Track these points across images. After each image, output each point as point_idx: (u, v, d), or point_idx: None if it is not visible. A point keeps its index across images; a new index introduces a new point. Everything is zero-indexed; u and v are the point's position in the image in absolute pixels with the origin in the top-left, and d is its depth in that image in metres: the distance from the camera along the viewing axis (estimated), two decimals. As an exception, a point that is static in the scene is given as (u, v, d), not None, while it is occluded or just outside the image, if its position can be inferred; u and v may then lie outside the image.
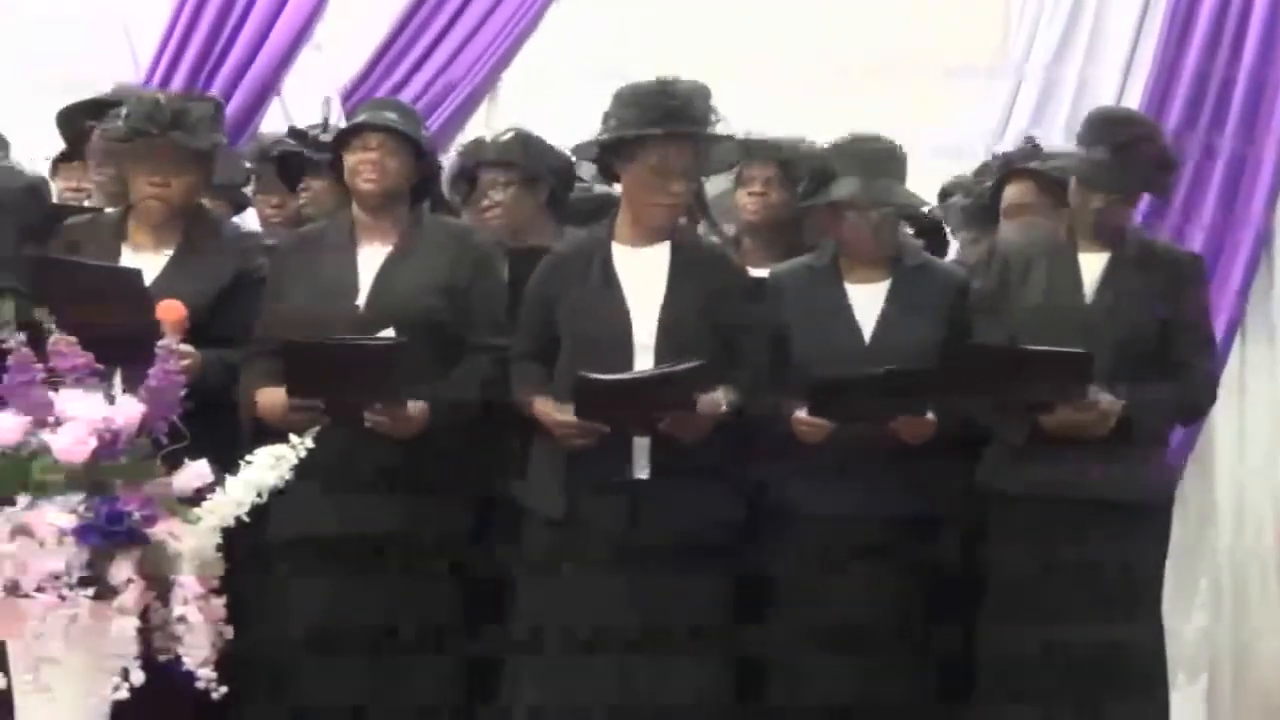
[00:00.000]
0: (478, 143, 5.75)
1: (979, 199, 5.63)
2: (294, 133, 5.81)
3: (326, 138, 5.01)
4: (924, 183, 5.54)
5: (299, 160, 5.65)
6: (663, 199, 4.66)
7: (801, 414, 4.59)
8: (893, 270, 4.81)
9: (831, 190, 4.77)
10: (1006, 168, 5.52)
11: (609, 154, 4.74)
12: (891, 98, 7.14)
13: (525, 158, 5.47)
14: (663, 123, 4.63)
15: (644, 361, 4.59)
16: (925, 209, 5.26)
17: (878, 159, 4.79)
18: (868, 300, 4.77)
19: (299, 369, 4.52)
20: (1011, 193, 5.44)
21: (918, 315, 4.76)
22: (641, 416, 4.54)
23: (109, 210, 5.20)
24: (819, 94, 7.33)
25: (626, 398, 4.51)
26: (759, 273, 4.95)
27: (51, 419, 3.89)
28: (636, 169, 4.68)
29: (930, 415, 4.60)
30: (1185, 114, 6.64)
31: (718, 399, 4.56)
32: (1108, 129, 4.79)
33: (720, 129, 4.71)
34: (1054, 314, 4.70)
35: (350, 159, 4.80)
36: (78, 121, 5.95)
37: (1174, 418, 4.97)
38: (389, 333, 4.59)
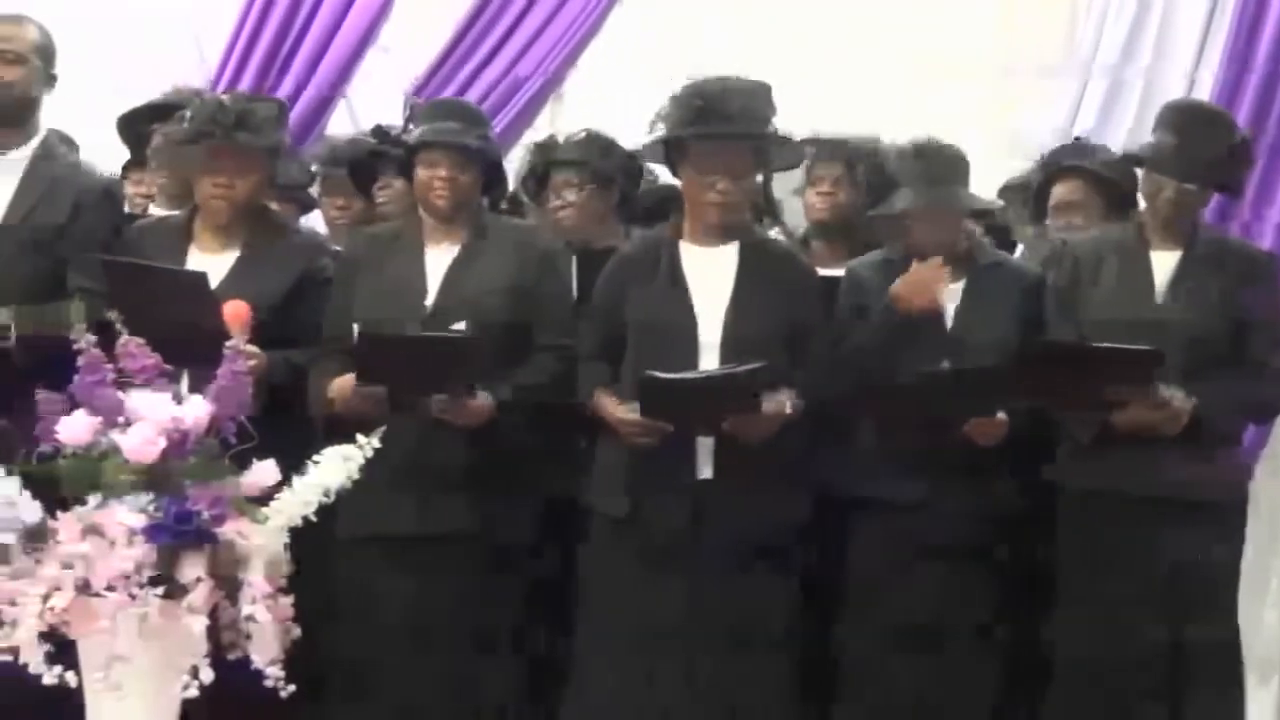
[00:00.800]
0: (550, 141, 5.73)
1: (1032, 198, 5.59)
2: (377, 132, 5.80)
3: (410, 137, 5.01)
4: (993, 183, 5.52)
5: (375, 161, 5.65)
6: (710, 198, 4.66)
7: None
8: (968, 269, 4.80)
9: (894, 202, 4.76)
10: (1053, 166, 5.49)
11: (668, 154, 4.75)
12: (960, 97, 7.12)
13: (599, 158, 5.45)
14: (694, 123, 4.64)
15: (710, 361, 4.59)
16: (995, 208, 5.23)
17: (939, 166, 4.78)
18: (945, 297, 4.75)
19: (371, 361, 4.53)
20: (1060, 191, 5.42)
21: (994, 313, 4.75)
22: (705, 416, 4.53)
23: (176, 212, 5.22)
24: (888, 94, 7.30)
25: (690, 397, 4.50)
26: (829, 272, 4.94)
27: (121, 420, 3.91)
28: (686, 170, 4.69)
29: (1001, 415, 4.58)
30: (1254, 112, 6.58)
31: (782, 400, 4.55)
32: (1181, 116, 4.77)
33: (777, 127, 4.71)
34: (1125, 312, 4.67)
35: (422, 173, 4.80)
36: (138, 126, 5.98)
37: (1246, 416, 4.93)
38: (460, 326, 4.59)
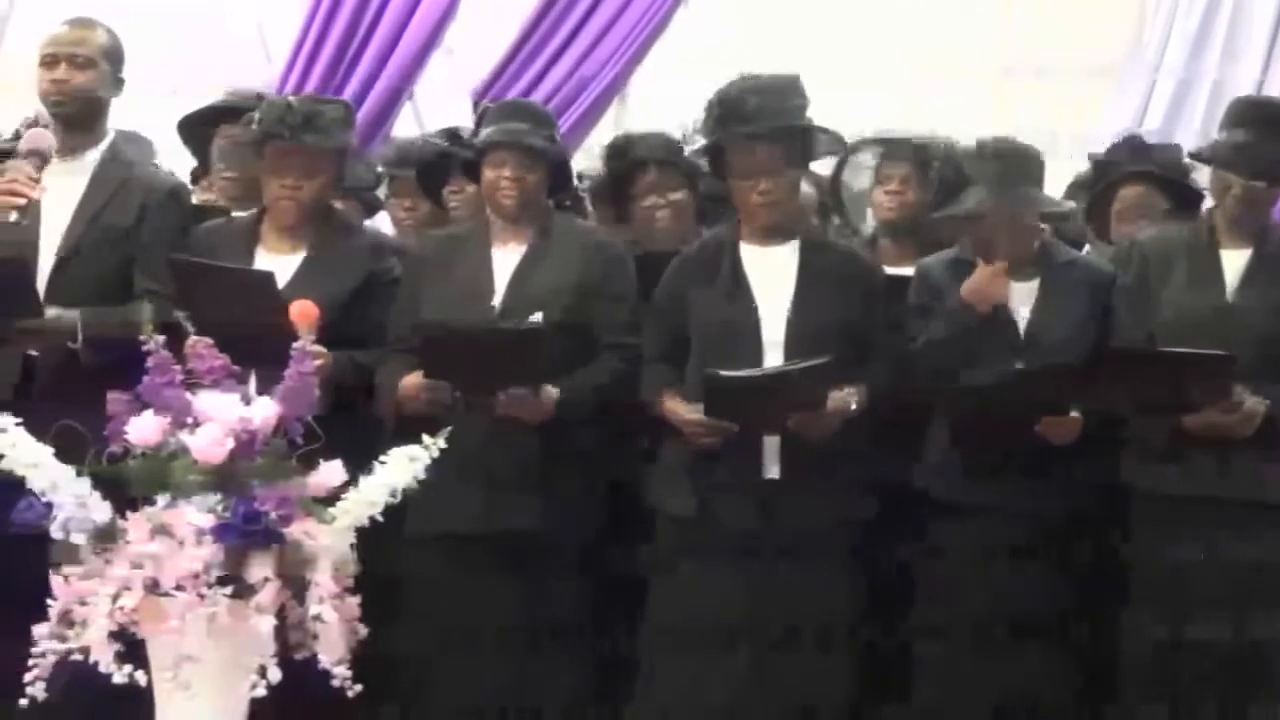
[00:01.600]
0: (629, 143, 5.70)
1: (1091, 203, 5.53)
2: (449, 134, 5.81)
3: (477, 139, 5.01)
4: (1063, 184, 5.48)
5: (444, 164, 5.65)
6: (754, 200, 4.66)
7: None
8: (1042, 267, 4.77)
9: (963, 201, 4.74)
10: (1115, 171, 5.44)
11: (712, 161, 4.77)
12: (1029, 97, 7.10)
13: (686, 159, 5.41)
14: (716, 129, 4.66)
15: (773, 360, 4.59)
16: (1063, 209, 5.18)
17: (1012, 165, 4.74)
18: (1018, 295, 4.74)
19: (436, 354, 4.54)
20: (1125, 196, 5.37)
21: (1068, 312, 4.73)
22: (770, 415, 4.52)
23: (243, 214, 5.24)
24: (957, 94, 7.30)
25: (755, 395, 4.49)
26: (897, 271, 4.92)
27: (190, 420, 3.92)
28: (729, 174, 4.70)
29: (1075, 414, 4.55)
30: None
31: (846, 397, 4.54)
32: (1250, 112, 4.73)
33: (810, 118, 4.71)
34: (1195, 312, 4.63)
35: (489, 173, 4.82)
36: (198, 129, 6.01)
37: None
38: (536, 317, 4.60)
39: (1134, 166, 5.43)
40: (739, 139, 4.63)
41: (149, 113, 5.91)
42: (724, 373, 4.47)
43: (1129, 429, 4.67)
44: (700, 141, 4.77)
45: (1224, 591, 4.52)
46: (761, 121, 4.63)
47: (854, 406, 4.57)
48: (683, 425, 4.60)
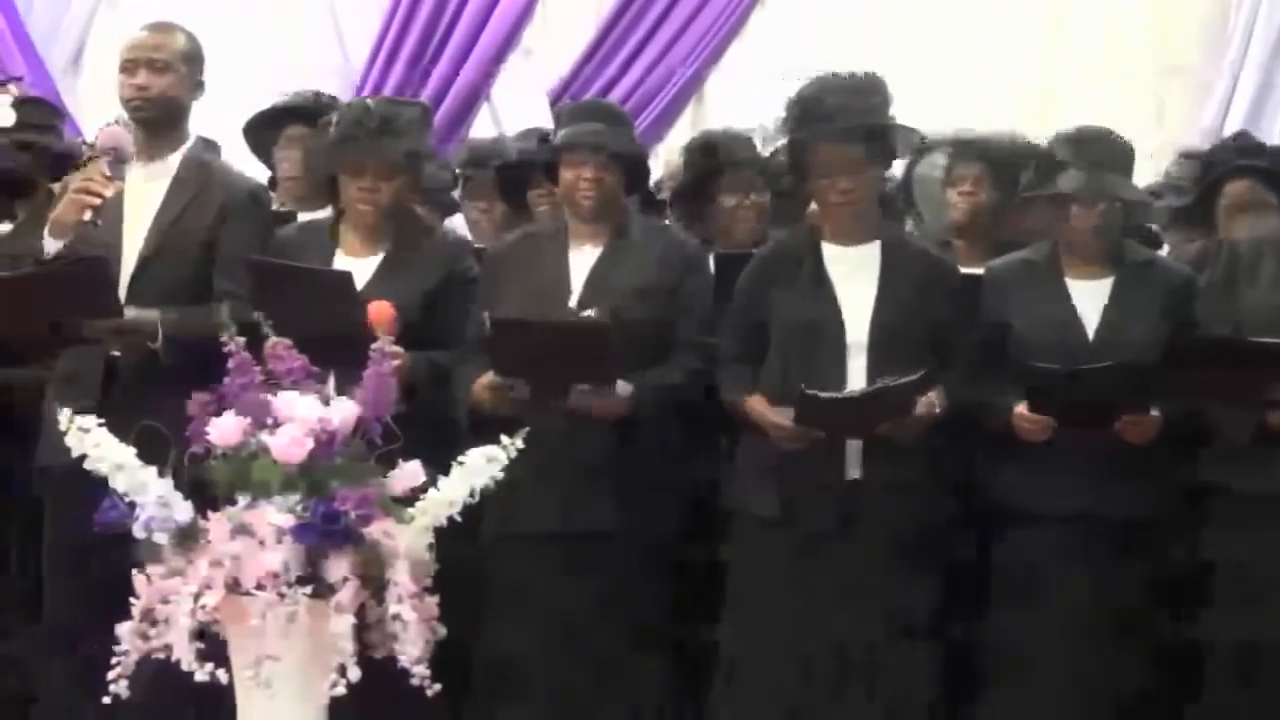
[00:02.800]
0: (714, 143, 5.69)
1: (1197, 199, 5.48)
2: (538, 135, 5.82)
3: (555, 139, 5.02)
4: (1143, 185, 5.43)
5: (528, 166, 5.67)
6: (834, 199, 4.64)
7: (1022, 409, 4.54)
8: (1116, 267, 4.73)
9: (1057, 182, 4.69)
10: (1225, 166, 5.39)
11: (792, 163, 4.75)
12: (1110, 98, 7.06)
13: (768, 160, 5.39)
14: (795, 129, 4.65)
15: (857, 361, 4.58)
16: (1151, 205, 5.13)
17: (1105, 153, 4.70)
18: (1090, 296, 4.70)
19: (505, 350, 4.56)
20: (1233, 190, 5.31)
21: (1143, 313, 4.67)
22: (860, 424, 4.52)
23: (321, 216, 5.28)
24: (1029, 93, 7.27)
25: (847, 409, 4.49)
26: (969, 272, 4.90)
27: (270, 421, 3.95)
28: (810, 174, 4.67)
29: (1155, 413, 4.52)
30: None
31: (932, 400, 4.54)
32: None
33: (892, 116, 4.69)
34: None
35: (567, 174, 4.83)
36: (261, 132, 6.04)
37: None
38: (591, 312, 4.62)
39: (1244, 161, 5.37)
40: (821, 137, 4.62)
41: (228, 115, 5.95)
42: (821, 394, 4.45)
43: (1210, 428, 4.62)
44: (779, 141, 4.76)
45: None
46: (842, 120, 4.62)
47: (938, 410, 4.56)
48: (769, 429, 4.59)
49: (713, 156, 5.57)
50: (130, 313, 4.72)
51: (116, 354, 4.77)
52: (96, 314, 4.64)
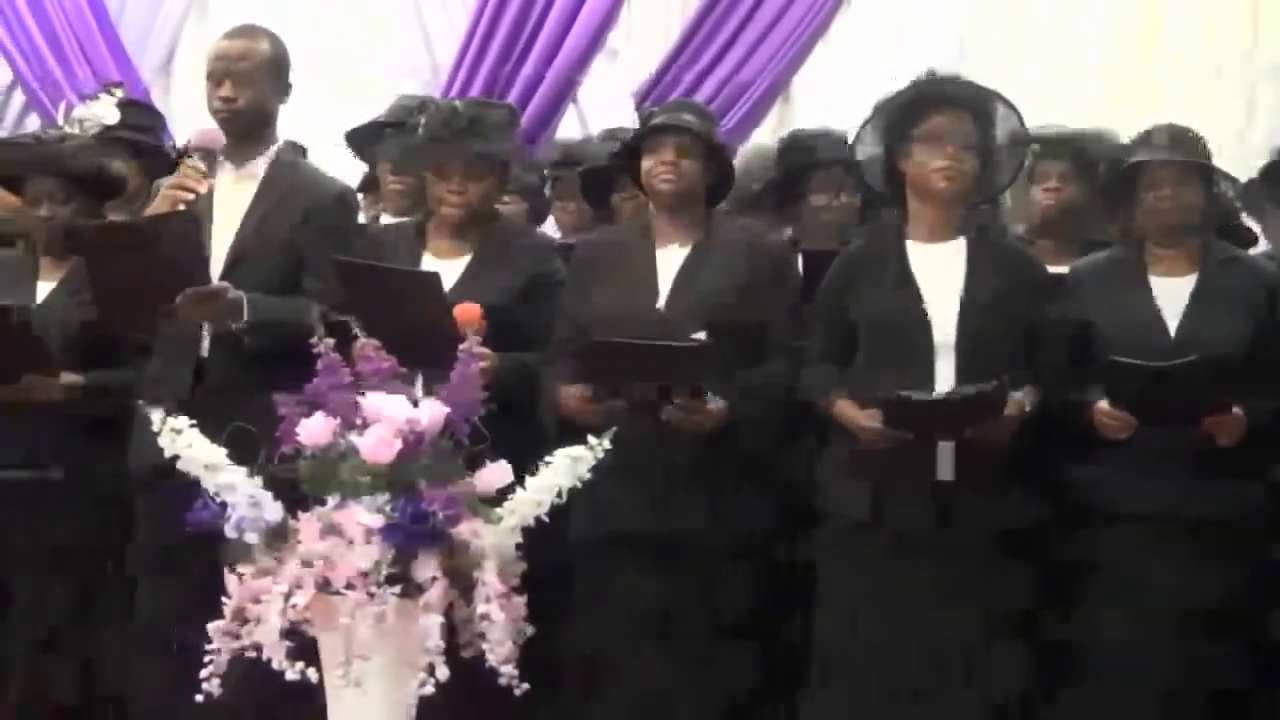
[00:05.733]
0: (805, 142, 5.68)
1: None
2: (621, 136, 5.82)
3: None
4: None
5: (612, 169, 5.68)
6: (937, 164, 4.59)
7: (1104, 405, 4.51)
8: (1200, 264, 4.70)
9: (1136, 154, 4.69)
10: None
11: (887, 164, 4.71)
12: (1200, 97, 7.00)
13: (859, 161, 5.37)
14: (919, 86, 4.65)
15: (944, 361, 4.55)
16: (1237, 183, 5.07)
17: (1185, 141, 4.69)
18: (1173, 294, 4.66)
19: (600, 368, 4.57)
20: None
21: (1226, 310, 4.62)
22: (949, 426, 4.50)
23: (409, 218, 5.30)
24: (1125, 93, 7.22)
25: (935, 411, 4.48)
26: (1054, 269, 4.87)
27: (359, 421, 3.97)
28: (912, 157, 4.63)
29: (1238, 410, 4.47)
30: None
31: (1021, 401, 4.51)
32: None
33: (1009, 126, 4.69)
34: None
35: (647, 162, 4.83)
36: (366, 141, 6.07)
37: None
38: (700, 336, 4.60)
39: None
40: (935, 104, 4.61)
41: (315, 118, 5.99)
42: (911, 398, 4.44)
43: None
44: (870, 139, 4.74)
45: None
46: (965, 89, 4.64)
47: (1027, 409, 4.54)
48: (858, 431, 4.58)
49: (804, 155, 5.56)
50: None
51: (203, 354, 4.81)
52: (185, 270, 4.64)
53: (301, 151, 5.98)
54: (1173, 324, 4.64)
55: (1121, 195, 4.76)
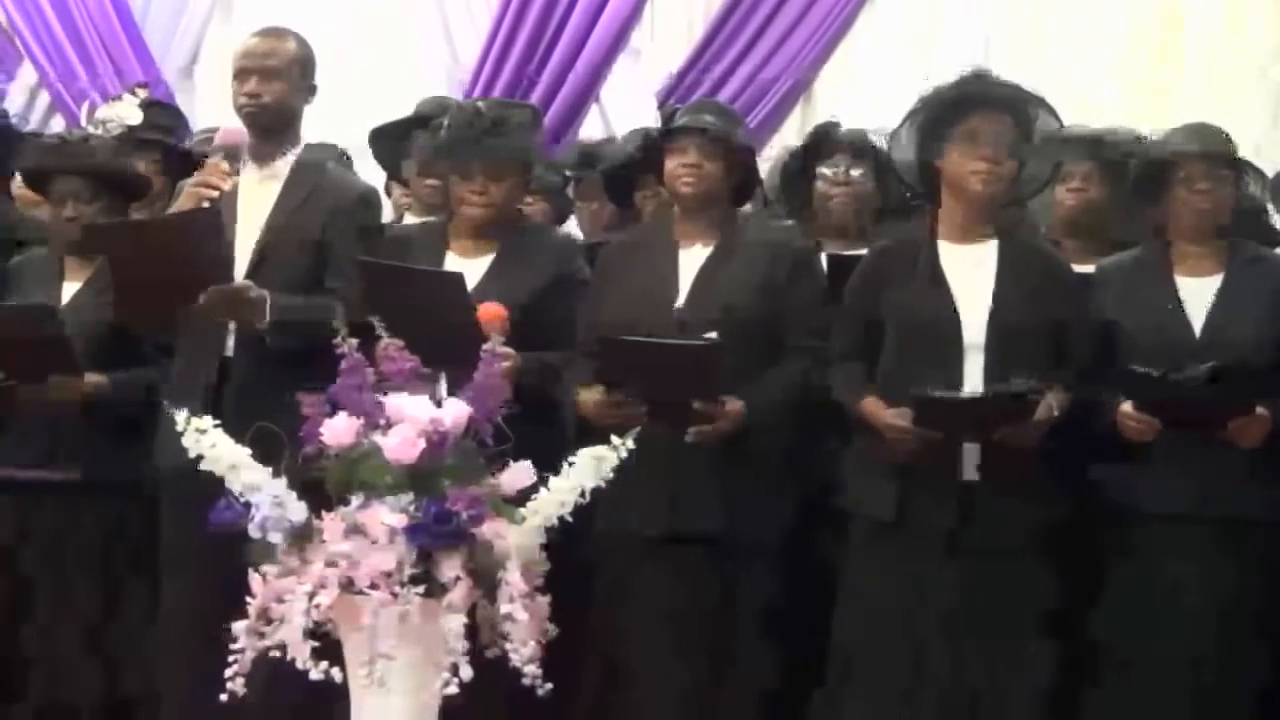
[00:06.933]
0: (819, 126, 5.68)
1: None
2: (644, 135, 5.82)
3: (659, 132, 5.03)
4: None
5: (630, 173, 5.67)
6: (974, 166, 4.57)
7: (1128, 408, 4.50)
8: (1227, 263, 4.68)
9: (1170, 147, 4.67)
10: None
11: (927, 143, 4.69)
12: (1225, 96, 6.98)
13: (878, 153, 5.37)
14: (963, 85, 4.62)
15: (974, 361, 4.54)
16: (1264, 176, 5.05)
17: (1218, 137, 4.68)
18: (1199, 293, 4.65)
19: (614, 366, 4.57)
20: None
21: (1252, 309, 4.61)
22: (978, 427, 4.49)
23: (433, 218, 5.31)
24: (1150, 92, 7.20)
25: (965, 411, 4.47)
26: (1079, 269, 4.86)
27: (382, 421, 3.97)
28: (948, 156, 4.62)
29: (1262, 411, 4.46)
30: None
31: (1049, 402, 4.50)
32: None
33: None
34: None
35: (670, 163, 4.83)
36: (389, 142, 6.08)
37: None
38: (711, 336, 4.59)
39: None
40: (977, 105, 4.60)
41: (339, 118, 5.99)
42: (939, 394, 4.43)
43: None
44: (907, 135, 4.73)
45: None
46: (1007, 90, 4.64)
47: (1056, 412, 4.53)
48: (886, 430, 4.57)
49: (816, 137, 5.58)
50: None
51: (227, 354, 4.82)
52: (208, 269, 4.65)
53: (342, 155, 6.00)
54: (1198, 323, 4.63)
55: (1150, 193, 4.74)
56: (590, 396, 4.63)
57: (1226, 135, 4.72)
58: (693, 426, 4.57)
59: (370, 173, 5.88)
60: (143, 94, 6.14)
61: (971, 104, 4.62)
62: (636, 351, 4.53)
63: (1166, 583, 4.56)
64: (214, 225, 4.70)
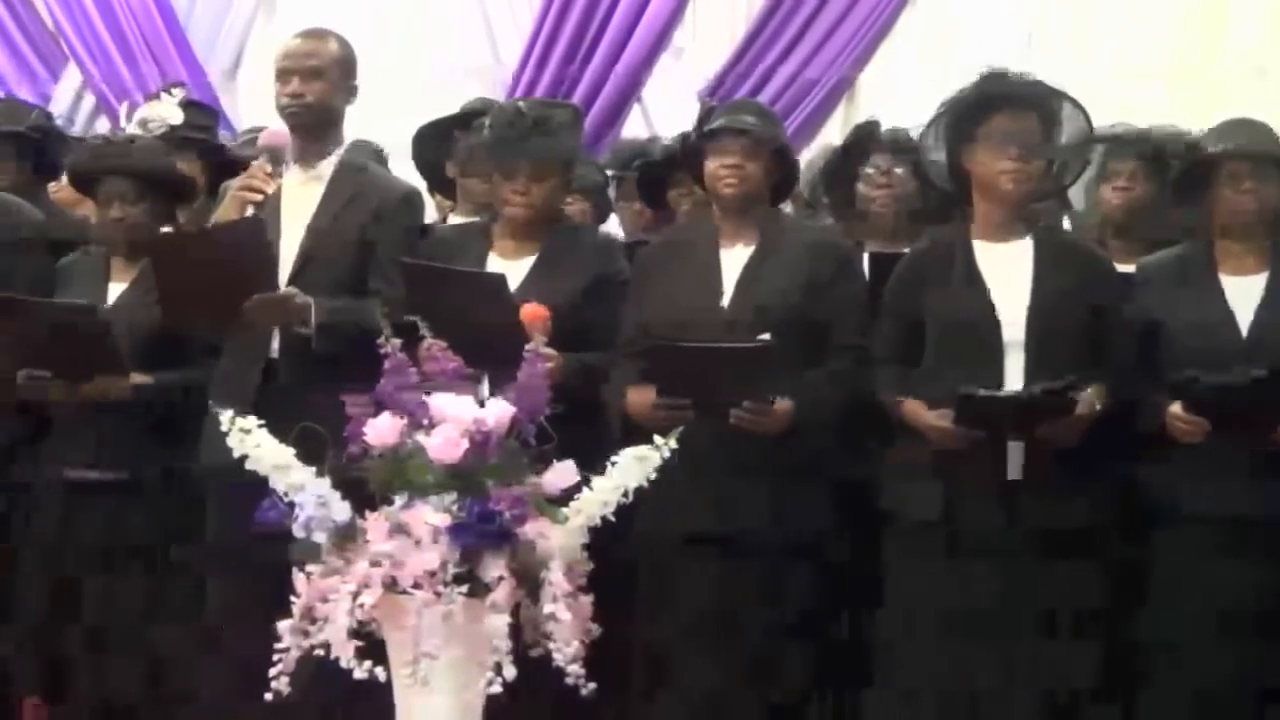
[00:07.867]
0: (864, 124, 5.68)
1: None
2: (683, 135, 5.82)
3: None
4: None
5: (665, 171, 5.67)
6: (1003, 166, 4.56)
7: (1177, 409, 4.48)
8: (1271, 261, 4.65)
9: (1215, 145, 4.64)
10: None
11: (955, 144, 4.68)
12: (1272, 95, 6.95)
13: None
14: (983, 85, 4.61)
15: (1014, 359, 4.53)
16: None
17: (1265, 135, 4.65)
18: (1245, 293, 4.62)
19: (664, 370, 4.57)
20: None
21: None
22: (1020, 425, 4.48)
23: (476, 219, 5.32)
24: (1195, 90, 7.17)
25: (1006, 409, 4.46)
26: (1124, 268, 4.84)
27: (426, 421, 3.98)
28: (977, 156, 4.61)
29: None
30: None
31: (1091, 400, 4.48)
32: None
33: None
34: None
35: (711, 164, 4.82)
36: (431, 142, 6.09)
37: None
38: (764, 336, 4.59)
39: None
40: (1000, 104, 4.58)
41: (381, 119, 6.01)
42: (981, 393, 4.42)
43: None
44: (934, 138, 4.72)
45: None
46: (1030, 88, 4.62)
47: (1098, 408, 4.51)
48: (928, 431, 4.56)
49: (858, 137, 5.57)
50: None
51: (272, 355, 4.84)
52: (253, 276, 4.67)
53: (378, 155, 6.01)
54: (1245, 324, 4.59)
55: (1194, 191, 4.72)
56: (642, 398, 4.63)
57: (1272, 133, 4.69)
58: (736, 413, 4.56)
59: (407, 171, 5.87)
60: (179, 93, 6.16)
61: (994, 104, 4.61)
62: (689, 357, 4.53)
63: (1206, 585, 4.53)
64: (259, 233, 4.72)
